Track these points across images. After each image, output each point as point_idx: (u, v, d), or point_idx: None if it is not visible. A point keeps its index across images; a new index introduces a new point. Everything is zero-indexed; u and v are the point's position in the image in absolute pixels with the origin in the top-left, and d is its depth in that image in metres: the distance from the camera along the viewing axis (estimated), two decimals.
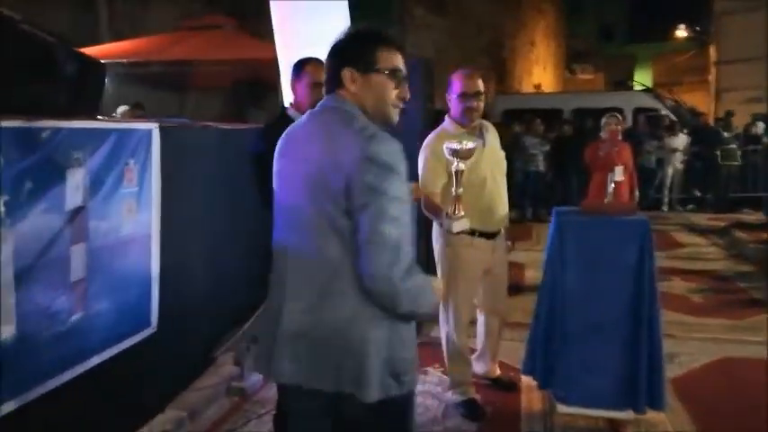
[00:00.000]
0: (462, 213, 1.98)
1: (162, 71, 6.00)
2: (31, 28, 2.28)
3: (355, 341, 1.39)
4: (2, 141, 1.90)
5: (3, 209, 1.90)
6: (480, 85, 2.74)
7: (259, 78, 5.82)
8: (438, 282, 1.55)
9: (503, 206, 2.88)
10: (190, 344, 3.05)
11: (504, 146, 10.37)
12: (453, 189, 1.98)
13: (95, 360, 2.39)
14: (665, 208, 10.18)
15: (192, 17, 7.09)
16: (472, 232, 2.76)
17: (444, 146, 1.98)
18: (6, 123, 1.93)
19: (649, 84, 21.23)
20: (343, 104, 1.45)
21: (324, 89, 1.53)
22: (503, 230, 2.94)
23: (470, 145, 1.96)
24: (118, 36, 6.87)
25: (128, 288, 2.59)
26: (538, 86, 20.43)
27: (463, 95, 2.71)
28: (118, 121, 2.58)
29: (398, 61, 1.46)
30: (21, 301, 2.00)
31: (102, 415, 2.41)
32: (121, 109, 5.87)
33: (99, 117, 2.70)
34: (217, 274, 3.21)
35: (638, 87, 15.48)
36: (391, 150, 1.35)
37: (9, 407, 2.00)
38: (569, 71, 26.44)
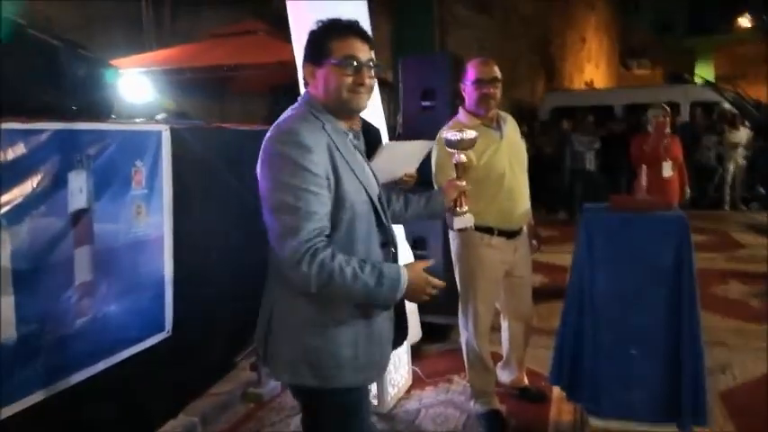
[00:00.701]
0: (466, 209, 1.81)
1: (201, 77, 6.07)
2: (37, 32, 2.29)
3: (274, 320, 1.49)
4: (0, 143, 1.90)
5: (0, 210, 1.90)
6: (497, 71, 2.57)
7: (296, 81, 5.78)
8: (416, 269, 1.43)
9: (524, 202, 2.69)
10: (206, 349, 3.00)
11: (552, 144, 9.94)
12: (455, 183, 1.82)
13: (105, 364, 2.37)
14: (726, 207, 9.57)
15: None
16: (491, 231, 2.60)
17: (443, 135, 1.82)
18: (5, 125, 1.92)
19: (711, 77, 20.15)
20: (301, 99, 1.52)
21: None
22: (525, 228, 2.75)
23: (471, 134, 1.79)
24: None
25: (139, 291, 2.57)
26: (589, 83, 19.77)
27: (478, 81, 2.55)
28: (123, 122, 2.55)
29: (353, 49, 1.45)
30: (21, 303, 2.00)
31: (112, 419, 2.39)
32: (160, 117, 5.99)
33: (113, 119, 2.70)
34: (235, 277, 3.16)
35: (697, 80, 14.69)
36: (284, 140, 1.38)
37: (13, 409, 2.00)
38: (624, 67, 25.46)
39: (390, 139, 3.66)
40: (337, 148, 1.43)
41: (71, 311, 2.21)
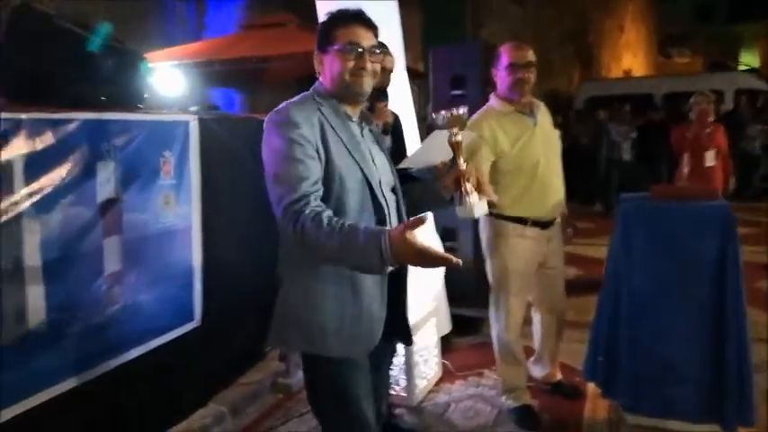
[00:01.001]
0: (472, 194, 1.57)
1: (232, 69, 6.09)
2: (65, 23, 2.30)
3: (280, 289, 1.59)
4: (28, 133, 1.91)
5: (29, 200, 1.91)
6: (531, 55, 2.48)
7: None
8: (395, 231, 1.31)
9: (558, 192, 2.60)
10: (236, 339, 3.00)
11: (588, 134, 9.68)
12: (455, 166, 1.62)
13: (135, 352, 2.39)
14: None
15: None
16: (524, 221, 2.52)
17: (432, 116, 1.69)
18: (33, 115, 1.94)
19: (756, 65, 19.37)
20: (312, 88, 1.60)
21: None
22: (559, 219, 2.66)
23: (461, 110, 1.62)
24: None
25: (168, 281, 2.58)
26: (628, 72, 19.24)
27: (512, 66, 2.46)
28: (151, 113, 2.56)
29: (356, 35, 1.53)
30: (51, 292, 2.01)
31: (143, 408, 2.41)
32: (192, 110, 6.04)
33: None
34: (263, 266, 3.15)
35: (741, 68, 14.14)
36: (276, 118, 1.48)
37: (44, 396, 2.02)
38: (664, 55, 24.69)
39: (420, 129, 3.61)
40: (332, 127, 1.51)
41: (101, 300, 2.22)
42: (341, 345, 1.52)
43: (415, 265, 1.38)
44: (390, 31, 3.14)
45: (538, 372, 2.92)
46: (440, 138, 2.23)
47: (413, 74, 4.20)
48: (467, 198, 1.57)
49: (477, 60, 3.72)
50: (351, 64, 1.52)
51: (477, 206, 1.58)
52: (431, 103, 4.07)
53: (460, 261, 1.31)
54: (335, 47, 1.52)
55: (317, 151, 1.47)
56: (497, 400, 2.82)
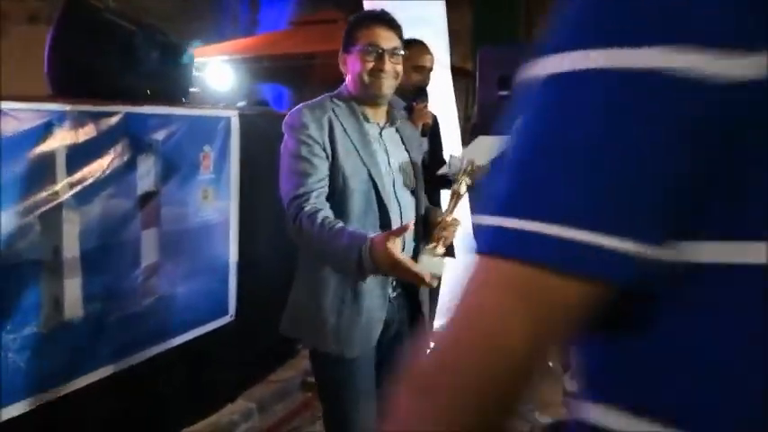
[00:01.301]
0: (439, 250, 1.46)
1: (279, 65, 6.16)
2: (113, 17, 2.34)
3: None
4: (72, 124, 1.95)
5: (70, 191, 1.95)
6: None
7: None
8: (378, 238, 1.34)
9: None
10: (268, 335, 3.01)
11: None
12: (444, 214, 1.53)
13: (169, 344, 2.42)
14: None
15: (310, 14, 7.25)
16: None
17: (449, 157, 1.59)
18: (77, 107, 1.97)
19: None
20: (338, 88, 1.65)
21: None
22: None
23: (479, 163, 1.52)
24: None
25: (204, 275, 2.60)
26: None
27: None
28: (193, 107, 2.58)
29: (376, 37, 1.54)
30: (89, 282, 2.05)
31: (174, 399, 2.44)
32: (240, 105, 6.13)
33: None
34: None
35: None
36: (288, 120, 1.56)
37: (79, 383, 2.06)
38: None
39: (463, 127, 3.54)
40: (342, 127, 1.54)
41: (137, 291, 2.25)
42: (338, 344, 1.55)
43: (391, 275, 1.46)
44: (435, 29, 3.08)
45: (575, 387, 2.81)
46: (483, 144, 2.17)
47: (460, 73, 4.13)
48: (430, 248, 1.46)
49: (525, 60, 3.64)
50: (370, 65, 1.53)
51: (435, 262, 1.45)
52: (476, 104, 4.00)
53: (434, 283, 1.36)
54: (357, 48, 1.55)
55: (324, 150, 1.51)
56: (531, 416, 2.72)
